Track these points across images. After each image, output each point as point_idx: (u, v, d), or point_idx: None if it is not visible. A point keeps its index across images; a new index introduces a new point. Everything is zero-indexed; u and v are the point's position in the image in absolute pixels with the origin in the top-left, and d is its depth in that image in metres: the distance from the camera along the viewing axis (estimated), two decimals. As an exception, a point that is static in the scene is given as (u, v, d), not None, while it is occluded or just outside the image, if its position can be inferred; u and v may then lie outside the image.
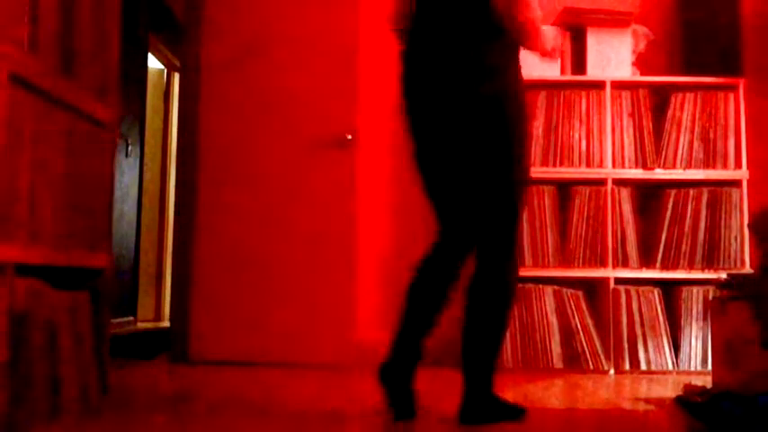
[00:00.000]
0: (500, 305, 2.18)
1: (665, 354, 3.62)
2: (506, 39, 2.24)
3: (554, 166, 3.75)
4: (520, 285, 3.66)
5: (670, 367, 3.61)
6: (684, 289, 3.68)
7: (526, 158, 2.29)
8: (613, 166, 3.75)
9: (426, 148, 2.27)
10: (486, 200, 2.20)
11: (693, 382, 2.71)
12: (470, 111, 2.15)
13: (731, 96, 3.80)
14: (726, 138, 3.77)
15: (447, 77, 2.18)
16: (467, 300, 2.20)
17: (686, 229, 3.73)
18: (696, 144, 3.78)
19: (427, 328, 2.29)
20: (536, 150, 3.76)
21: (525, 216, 3.72)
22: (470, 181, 2.21)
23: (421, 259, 2.31)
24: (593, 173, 3.74)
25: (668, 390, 3.02)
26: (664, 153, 3.77)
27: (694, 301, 3.66)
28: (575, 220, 3.73)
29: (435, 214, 2.34)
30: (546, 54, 2.40)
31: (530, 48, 2.33)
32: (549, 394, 2.84)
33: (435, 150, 2.26)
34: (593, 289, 3.75)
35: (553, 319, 3.64)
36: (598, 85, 3.79)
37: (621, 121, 3.80)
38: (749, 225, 3.50)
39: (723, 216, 3.72)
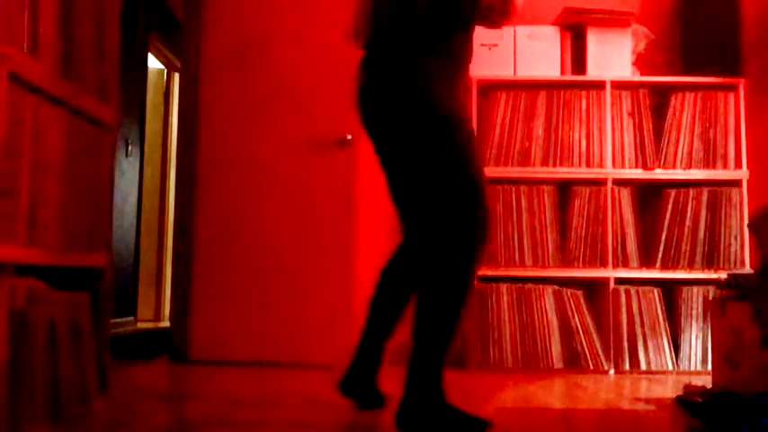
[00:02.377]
0: (444, 306, 2.03)
1: (665, 354, 3.62)
2: (442, 57, 2.18)
3: (554, 166, 3.75)
4: (520, 285, 3.67)
5: (670, 367, 3.61)
6: (684, 289, 3.68)
7: (464, 166, 2.11)
8: (613, 166, 3.75)
9: (378, 156, 2.32)
10: (428, 205, 2.13)
11: (693, 382, 2.71)
12: (400, 126, 2.16)
13: (731, 96, 3.80)
14: (726, 138, 3.78)
15: (377, 94, 2.21)
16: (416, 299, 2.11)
17: (686, 229, 3.73)
18: (696, 144, 3.78)
19: (389, 332, 2.38)
20: (536, 150, 3.76)
21: (525, 216, 3.73)
22: (413, 187, 2.20)
23: (385, 263, 2.40)
24: (593, 173, 3.74)
25: (668, 390, 3.02)
26: (664, 153, 3.78)
27: (694, 301, 3.67)
28: (575, 220, 3.73)
29: (397, 216, 2.39)
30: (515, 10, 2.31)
31: (502, 21, 2.33)
32: (549, 394, 2.84)
33: (383, 159, 2.31)
34: (593, 289, 3.75)
35: (553, 319, 3.64)
36: (598, 85, 3.80)
37: (621, 121, 3.80)
38: (749, 225, 3.50)
39: (723, 216, 3.72)
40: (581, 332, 3.63)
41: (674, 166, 3.76)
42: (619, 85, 3.81)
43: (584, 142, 3.77)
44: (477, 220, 2.07)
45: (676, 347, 3.65)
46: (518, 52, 3.81)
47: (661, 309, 3.66)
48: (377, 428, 2.20)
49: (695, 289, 3.67)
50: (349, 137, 3.72)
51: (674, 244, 3.72)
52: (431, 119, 2.11)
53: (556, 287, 3.68)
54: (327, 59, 3.79)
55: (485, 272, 3.66)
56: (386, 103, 2.18)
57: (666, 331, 3.64)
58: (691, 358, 3.63)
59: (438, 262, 2.06)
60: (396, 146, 2.20)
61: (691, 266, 3.71)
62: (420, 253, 2.27)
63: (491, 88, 3.84)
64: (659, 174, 3.76)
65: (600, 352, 3.62)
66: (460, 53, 2.22)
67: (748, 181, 3.74)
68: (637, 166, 3.77)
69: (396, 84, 2.14)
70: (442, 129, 2.11)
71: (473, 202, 2.07)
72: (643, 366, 3.61)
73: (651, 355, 3.62)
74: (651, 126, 3.79)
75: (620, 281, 3.69)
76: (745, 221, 3.67)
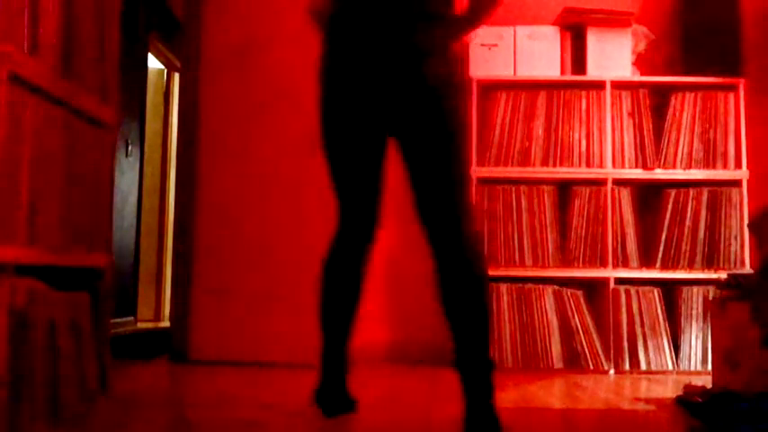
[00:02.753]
0: (486, 300, 2.03)
1: (665, 354, 3.62)
2: (447, 20, 2.09)
3: (554, 166, 3.75)
4: (520, 285, 3.67)
5: (670, 367, 3.61)
6: (684, 289, 3.68)
7: (467, 153, 2.08)
8: (613, 166, 3.75)
9: (352, 136, 2.14)
10: (435, 195, 2.03)
11: (693, 382, 2.71)
12: (411, 97, 1.99)
13: (731, 96, 3.80)
14: (726, 138, 3.78)
15: (384, 59, 2.00)
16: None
17: (686, 229, 3.73)
18: (696, 144, 3.78)
19: (350, 333, 2.27)
20: (536, 150, 3.76)
21: (525, 216, 3.73)
22: (415, 174, 2.06)
23: (331, 261, 2.27)
24: (593, 173, 3.74)
25: (668, 390, 3.02)
26: (664, 153, 3.78)
27: (694, 301, 3.67)
28: (575, 220, 3.73)
29: (343, 203, 2.25)
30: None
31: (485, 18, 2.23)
32: (549, 394, 2.84)
33: (364, 139, 2.13)
34: (593, 289, 3.75)
35: (553, 319, 3.64)
36: (598, 85, 3.80)
37: (621, 121, 3.80)
38: (749, 225, 3.50)
39: (723, 216, 3.72)
40: (581, 332, 3.63)
41: (674, 166, 3.76)
42: (619, 85, 3.81)
43: (584, 142, 3.77)
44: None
45: (676, 347, 3.65)
46: (518, 52, 3.81)
47: (661, 309, 3.66)
48: (377, 428, 2.19)
49: (695, 289, 3.67)
50: (349, 137, 3.72)
51: (674, 244, 3.72)
52: (455, 94, 2.04)
53: (556, 287, 3.68)
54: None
55: (485, 272, 3.66)
56: (403, 71, 2.00)
57: (666, 331, 3.64)
58: (691, 358, 3.63)
59: (470, 258, 2.01)
60: (401, 122, 2.05)
61: (691, 266, 3.71)
62: (366, 240, 2.25)
63: (491, 88, 3.84)
64: (659, 174, 3.76)
65: (600, 352, 3.62)
66: None
67: (748, 181, 3.74)
68: (637, 166, 3.77)
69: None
70: (460, 106, 2.07)
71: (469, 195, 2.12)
72: (643, 366, 3.61)
73: (651, 355, 3.62)
74: (651, 126, 3.79)
75: (620, 281, 3.69)
76: (745, 221, 3.67)
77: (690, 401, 2.38)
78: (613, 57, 3.82)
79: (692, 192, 3.75)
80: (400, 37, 2.00)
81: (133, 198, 5.33)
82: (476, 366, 1.94)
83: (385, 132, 2.12)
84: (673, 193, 3.76)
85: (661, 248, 3.72)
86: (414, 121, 2.02)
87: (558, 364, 3.60)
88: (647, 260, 3.74)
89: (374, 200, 2.23)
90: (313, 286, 3.69)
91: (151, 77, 5.95)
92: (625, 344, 3.62)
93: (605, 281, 3.68)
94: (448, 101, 2.01)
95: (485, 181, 3.74)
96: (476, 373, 1.94)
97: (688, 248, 3.72)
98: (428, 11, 2.04)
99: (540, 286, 3.67)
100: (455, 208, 2.02)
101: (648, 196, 3.86)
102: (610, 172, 3.73)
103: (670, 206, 3.75)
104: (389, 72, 2.00)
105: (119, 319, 4.76)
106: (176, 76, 6.11)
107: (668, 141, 3.78)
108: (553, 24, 3.91)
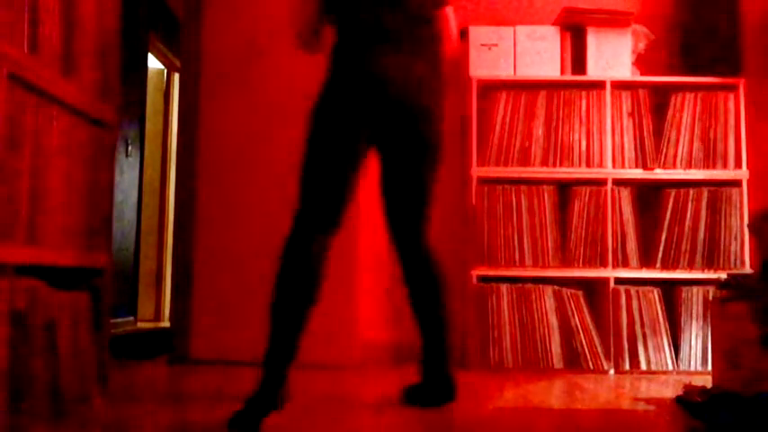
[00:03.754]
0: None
1: (665, 354, 3.62)
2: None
3: (554, 166, 3.75)
4: (520, 285, 3.67)
5: (670, 367, 3.61)
6: (684, 289, 3.68)
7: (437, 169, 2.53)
8: (613, 166, 3.75)
9: (339, 132, 2.35)
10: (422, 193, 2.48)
11: (693, 382, 2.71)
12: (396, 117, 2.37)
13: (731, 96, 3.80)
14: (726, 138, 3.78)
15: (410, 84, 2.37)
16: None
17: (686, 229, 3.73)
18: (696, 144, 3.78)
19: (304, 323, 2.27)
20: (536, 150, 3.77)
21: (525, 216, 3.73)
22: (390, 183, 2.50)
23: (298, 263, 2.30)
24: (593, 173, 3.74)
25: (668, 390, 3.02)
26: (664, 153, 3.78)
27: (694, 301, 3.67)
28: (575, 220, 3.73)
29: (314, 193, 2.36)
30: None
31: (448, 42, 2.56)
32: (549, 394, 2.84)
33: (348, 138, 2.36)
34: (593, 289, 3.75)
35: (553, 319, 3.64)
36: (598, 85, 3.80)
37: (621, 121, 3.80)
38: (749, 225, 3.50)
39: (723, 216, 3.72)
40: (581, 332, 3.63)
41: (674, 166, 3.76)
42: (619, 85, 3.81)
43: (584, 142, 3.77)
44: None
45: (676, 347, 3.65)
46: (518, 52, 3.81)
47: (661, 309, 3.66)
48: (377, 428, 2.20)
49: (695, 289, 3.67)
50: (349, 137, 3.72)
51: (674, 244, 3.72)
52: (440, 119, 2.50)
53: (556, 287, 3.68)
54: (328, 59, 3.78)
55: (485, 272, 3.66)
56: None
57: (666, 331, 3.64)
58: (691, 358, 3.63)
59: (437, 260, 2.49)
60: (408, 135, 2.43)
61: (691, 266, 3.71)
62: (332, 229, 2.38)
63: (491, 88, 3.84)
64: (659, 174, 3.76)
65: (600, 352, 3.62)
66: None
67: (748, 181, 3.74)
68: (637, 166, 3.77)
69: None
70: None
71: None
72: (643, 366, 3.61)
73: (651, 355, 3.62)
74: (651, 126, 3.79)
75: (620, 281, 3.69)
76: (745, 221, 3.67)
77: (690, 401, 2.38)
78: (613, 57, 3.83)
79: (692, 192, 3.75)
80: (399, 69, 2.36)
81: (133, 198, 5.33)
82: (438, 346, 2.46)
83: (365, 139, 2.40)
84: (673, 193, 3.76)
85: (661, 248, 3.72)
86: (395, 137, 2.43)
87: (558, 364, 3.60)
88: (647, 260, 3.74)
89: (344, 195, 2.39)
90: (313, 286, 3.70)
91: (151, 77, 5.95)
92: (625, 344, 3.63)
93: (605, 281, 3.68)
94: (428, 124, 2.41)
95: (485, 181, 3.74)
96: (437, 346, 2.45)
97: (688, 248, 3.72)
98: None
99: (540, 286, 3.67)
100: (422, 217, 2.50)
101: (648, 196, 3.86)
102: (610, 172, 3.74)
103: (670, 206, 3.75)
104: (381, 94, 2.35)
105: (119, 319, 4.76)
106: (176, 76, 6.11)
107: (668, 141, 3.78)
108: (553, 24, 3.91)
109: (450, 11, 2.56)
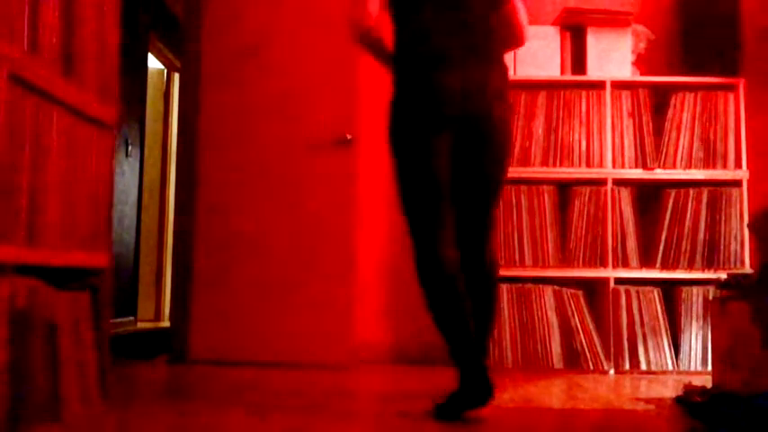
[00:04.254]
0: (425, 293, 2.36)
1: (665, 354, 3.62)
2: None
3: (554, 166, 3.75)
4: (520, 285, 3.67)
5: (670, 367, 3.61)
6: (684, 289, 3.68)
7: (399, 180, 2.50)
8: (613, 166, 3.75)
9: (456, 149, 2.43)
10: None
11: (693, 382, 2.71)
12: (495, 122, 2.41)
13: (731, 96, 3.80)
14: (726, 138, 3.78)
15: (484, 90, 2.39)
16: None
17: (686, 229, 3.73)
18: (696, 144, 3.78)
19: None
20: (536, 150, 3.77)
21: (525, 216, 3.73)
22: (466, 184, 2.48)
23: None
24: (593, 173, 3.74)
25: (668, 390, 3.02)
26: (664, 153, 3.78)
27: (694, 301, 3.67)
28: (575, 220, 3.73)
29: (431, 214, 2.41)
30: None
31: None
32: (549, 394, 2.84)
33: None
34: (593, 289, 3.75)
35: (553, 319, 3.64)
36: (598, 85, 3.80)
37: (621, 121, 3.80)
38: (749, 225, 3.50)
39: (723, 216, 3.72)
40: (581, 332, 3.63)
41: (674, 166, 3.76)
42: (619, 85, 3.81)
43: (584, 142, 3.77)
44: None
45: (676, 347, 3.65)
46: (518, 52, 3.81)
47: (661, 309, 3.66)
48: (377, 427, 2.20)
49: (695, 289, 3.67)
50: (349, 137, 3.72)
51: (674, 244, 3.72)
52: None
53: (556, 287, 3.68)
54: (327, 59, 3.79)
55: (485, 272, 3.66)
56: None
57: (666, 331, 3.64)
58: (691, 358, 3.63)
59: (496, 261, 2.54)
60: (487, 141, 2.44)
61: (691, 266, 3.71)
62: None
63: (491, 88, 3.83)
64: (659, 174, 3.76)
65: (600, 352, 3.62)
66: None
67: (748, 181, 3.74)
68: (637, 166, 3.77)
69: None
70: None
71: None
72: (643, 366, 3.61)
73: (651, 355, 3.62)
74: (651, 126, 3.79)
75: (620, 281, 3.69)
76: (745, 221, 3.67)
77: (690, 401, 2.38)
78: (613, 57, 3.82)
79: (692, 192, 3.75)
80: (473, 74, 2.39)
81: (133, 198, 5.33)
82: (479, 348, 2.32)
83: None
84: (673, 193, 3.76)
85: (661, 248, 3.72)
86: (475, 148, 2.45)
87: (558, 364, 3.60)
88: (647, 260, 3.74)
89: (448, 206, 2.46)
90: (313, 286, 3.71)
91: (151, 77, 5.95)
92: (625, 344, 3.63)
93: (605, 281, 3.68)
94: (502, 134, 2.45)
95: (485, 181, 3.74)
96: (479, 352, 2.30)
97: (688, 248, 3.72)
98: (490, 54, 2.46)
99: (540, 286, 3.67)
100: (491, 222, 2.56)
101: (648, 196, 3.86)
102: (610, 172, 3.74)
103: (670, 206, 3.75)
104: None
105: (119, 319, 4.76)
106: (176, 76, 6.11)
107: (668, 141, 3.78)
108: (553, 24, 3.91)
109: (517, 2, 2.57)
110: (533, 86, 3.82)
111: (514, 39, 2.61)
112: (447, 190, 2.40)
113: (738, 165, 3.75)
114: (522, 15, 2.59)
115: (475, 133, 2.39)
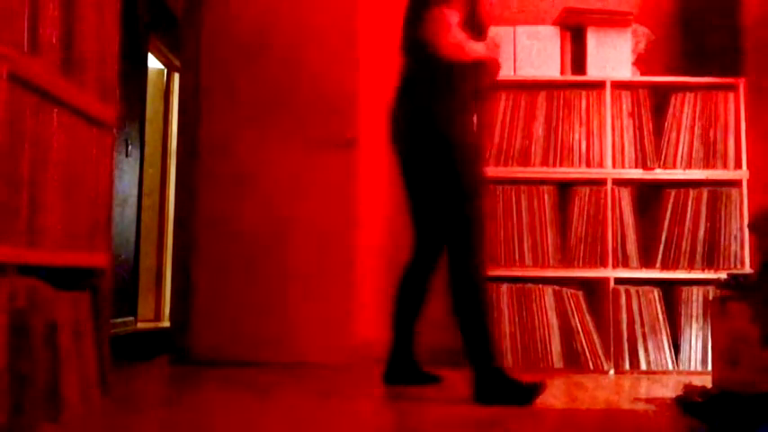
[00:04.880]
0: (466, 298, 2.62)
1: (665, 354, 3.62)
2: (446, 84, 2.70)
3: (554, 166, 3.75)
4: (520, 285, 3.67)
5: (670, 367, 3.61)
6: (684, 289, 3.68)
7: (473, 183, 2.69)
8: (613, 166, 3.75)
9: (402, 172, 2.87)
10: (442, 216, 2.72)
11: (693, 382, 2.71)
12: (420, 150, 2.73)
13: (731, 96, 3.80)
14: (726, 138, 3.78)
15: (403, 120, 2.78)
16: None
17: (686, 229, 3.73)
18: (696, 144, 3.78)
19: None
20: (536, 150, 3.77)
21: (525, 216, 3.73)
22: (430, 201, 2.80)
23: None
24: (593, 173, 3.74)
25: (668, 390, 3.02)
26: (664, 153, 3.78)
27: (694, 301, 3.67)
28: (575, 220, 3.73)
29: (413, 225, 2.93)
30: (490, 59, 2.80)
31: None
32: (549, 394, 2.84)
33: (405, 175, 2.87)
34: (593, 289, 3.75)
35: (553, 319, 3.64)
36: (598, 85, 3.80)
37: (621, 121, 3.80)
38: (749, 225, 3.50)
39: (723, 216, 3.72)
40: (581, 332, 3.63)
41: (674, 166, 3.76)
42: (619, 85, 3.81)
43: (584, 142, 3.77)
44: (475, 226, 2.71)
45: (676, 347, 3.65)
46: (518, 52, 3.81)
47: (661, 309, 3.66)
48: (377, 427, 2.20)
49: (695, 289, 3.67)
50: (349, 137, 3.72)
51: (674, 244, 3.72)
52: (454, 150, 2.69)
53: (556, 287, 3.68)
54: (327, 59, 3.79)
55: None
56: (414, 131, 2.75)
57: (666, 331, 3.64)
58: (691, 358, 3.63)
59: (454, 262, 2.65)
60: (417, 166, 2.81)
61: (691, 266, 3.70)
62: (431, 259, 2.96)
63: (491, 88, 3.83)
64: (659, 174, 3.76)
65: (600, 352, 3.62)
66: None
67: (748, 181, 3.74)
68: (637, 166, 3.77)
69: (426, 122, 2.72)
70: (461, 157, 2.69)
71: (475, 209, 2.71)
72: (643, 366, 3.61)
73: (651, 355, 3.62)
74: (651, 126, 3.79)
75: (620, 281, 3.69)
76: (745, 221, 3.67)
77: (690, 401, 2.38)
78: (613, 57, 3.82)
79: (691, 192, 3.75)
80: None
81: (133, 198, 5.33)
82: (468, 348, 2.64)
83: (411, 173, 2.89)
84: (673, 193, 3.76)
85: (661, 248, 3.72)
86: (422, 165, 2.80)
87: (558, 364, 3.60)
88: (647, 260, 3.74)
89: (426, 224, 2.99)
90: (313, 286, 3.70)
91: (151, 77, 5.94)
92: (625, 344, 3.62)
93: (605, 281, 3.68)
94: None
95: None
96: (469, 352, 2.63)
97: (688, 248, 3.72)
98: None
99: (540, 286, 3.67)
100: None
101: (648, 196, 3.86)
102: (610, 172, 3.74)
103: (670, 206, 3.75)
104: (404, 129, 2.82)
105: (119, 319, 4.76)
106: (176, 76, 6.10)
107: (668, 141, 3.78)
108: (553, 24, 3.91)
109: (437, 12, 2.60)
110: (533, 86, 3.81)
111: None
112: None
113: (738, 165, 3.75)
114: (436, 25, 2.63)
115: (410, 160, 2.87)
